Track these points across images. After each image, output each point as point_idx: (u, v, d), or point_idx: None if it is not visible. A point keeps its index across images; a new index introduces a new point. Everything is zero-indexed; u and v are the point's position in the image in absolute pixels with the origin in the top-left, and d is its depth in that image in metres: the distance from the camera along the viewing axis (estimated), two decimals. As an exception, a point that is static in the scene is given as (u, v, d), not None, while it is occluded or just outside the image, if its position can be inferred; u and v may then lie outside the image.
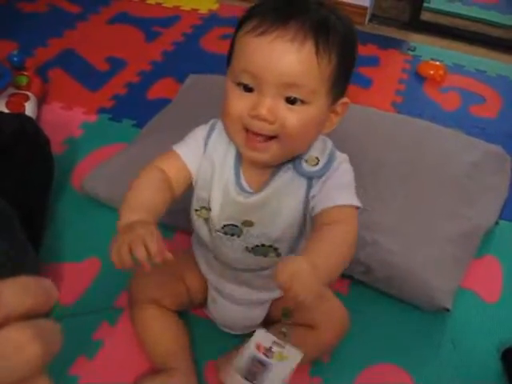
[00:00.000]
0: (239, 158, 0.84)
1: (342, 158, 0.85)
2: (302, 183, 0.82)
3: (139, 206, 0.78)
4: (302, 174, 0.82)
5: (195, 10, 2.17)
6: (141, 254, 0.69)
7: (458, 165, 1.34)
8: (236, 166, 0.84)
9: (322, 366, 0.99)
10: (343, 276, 1.13)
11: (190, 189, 0.87)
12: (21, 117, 1.29)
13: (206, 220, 0.88)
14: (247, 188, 0.83)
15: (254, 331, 0.98)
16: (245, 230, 0.84)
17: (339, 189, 0.82)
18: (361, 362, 1.01)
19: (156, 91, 1.68)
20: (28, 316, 0.34)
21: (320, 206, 0.81)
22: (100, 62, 1.79)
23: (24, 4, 2.06)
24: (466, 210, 1.24)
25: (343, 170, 0.84)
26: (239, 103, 0.75)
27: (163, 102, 1.55)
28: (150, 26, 2.01)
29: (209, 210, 0.86)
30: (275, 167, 0.82)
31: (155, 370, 0.94)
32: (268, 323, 0.98)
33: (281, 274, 0.66)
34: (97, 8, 2.09)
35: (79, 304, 1.04)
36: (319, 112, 0.77)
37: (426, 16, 2.27)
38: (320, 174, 0.82)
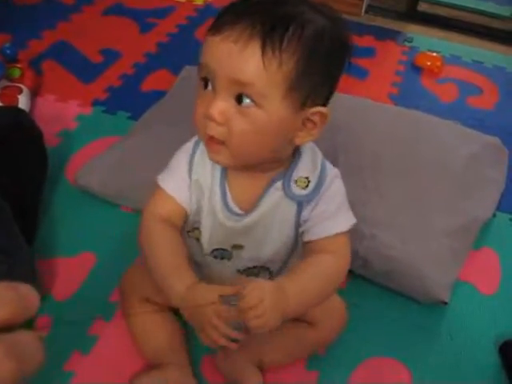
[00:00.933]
0: (225, 174, 0.81)
1: (332, 174, 0.82)
2: (292, 207, 0.80)
3: (179, 268, 0.79)
4: (292, 197, 0.79)
5: (190, 2, 2.15)
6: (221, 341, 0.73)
7: (456, 157, 1.33)
8: (222, 183, 0.81)
9: (318, 360, 0.99)
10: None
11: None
12: (14, 109, 1.28)
13: (198, 240, 0.87)
14: (235, 209, 0.81)
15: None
16: (235, 253, 0.83)
17: (331, 216, 0.80)
18: (358, 355, 1.01)
19: (151, 83, 1.66)
20: (3, 327, 0.33)
21: (311, 235, 0.81)
22: (94, 53, 1.77)
23: (17, -5, 2.04)
24: (464, 203, 1.24)
25: (334, 190, 0.82)
26: (200, 104, 0.74)
27: (158, 94, 1.54)
28: (145, 18, 1.99)
29: (200, 231, 0.85)
30: (264, 186, 0.80)
31: (150, 366, 0.93)
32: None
33: (249, 297, 0.68)
34: (91, -1, 2.07)
35: (73, 299, 1.03)
36: (273, 119, 0.71)
37: (423, 7, 2.26)
38: (310, 199, 0.80)
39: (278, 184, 0.79)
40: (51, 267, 1.09)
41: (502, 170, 1.38)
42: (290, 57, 0.69)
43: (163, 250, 0.81)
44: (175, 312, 0.97)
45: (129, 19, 1.97)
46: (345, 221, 0.82)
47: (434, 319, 1.09)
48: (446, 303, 1.07)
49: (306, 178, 0.80)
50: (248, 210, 0.81)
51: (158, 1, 2.13)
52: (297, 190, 0.79)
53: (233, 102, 0.71)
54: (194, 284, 0.75)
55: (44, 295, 1.04)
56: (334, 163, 1.23)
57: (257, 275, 0.86)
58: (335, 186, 0.82)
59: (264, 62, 0.68)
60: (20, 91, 1.44)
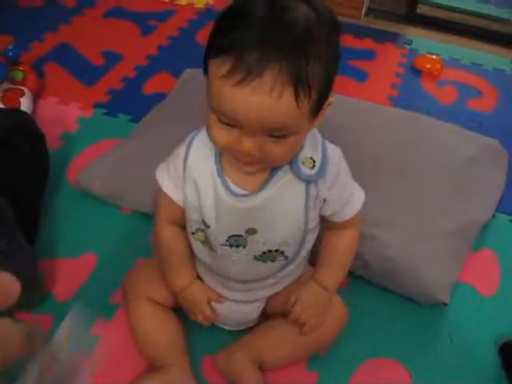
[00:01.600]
0: (220, 168, 0.82)
1: (335, 152, 0.84)
2: (301, 186, 0.81)
3: (183, 265, 0.94)
4: (300, 177, 0.80)
5: (191, 5, 2.16)
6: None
7: (455, 159, 1.33)
8: (220, 175, 0.82)
9: (318, 361, 0.99)
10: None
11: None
12: (16, 111, 1.28)
13: (204, 242, 0.88)
14: (238, 191, 0.81)
15: (250, 327, 0.98)
16: (249, 238, 0.83)
17: (348, 200, 0.87)
18: (358, 356, 1.01)
19: (152, 86, 1.67)
20: None
21: (335, 216, 0.89)
22: (96, 56, 1.78)
23: (19, -2, 2.05)
24: (463, 204, 1.24)
25: (345, 174, 0.86)
26: (223, 135, 0.73)
27: (159, 97, 1.54)
28: (146, 21, 2.00)
29: (207, 228, 0.84)
30: (270, 170, 0.81)
31: (151, 368, 0.94)
32: (264, 318, 0.99)
33: (293, 313, 0.92)
34: (92, 2, 2.08)
35: (75, 300, 1.04)
36: (303, 135, 0.76)
37: (422, 9, 2.26)
38: (318, 178, 0.81)
39: (286, 167, 0.80)
40: (53, 268, 1.10)
41: (501, 172, 1.38)
42: (316, 86, 0.69)
43: (169, 249, 0.94)
44: (177, 311, 0.98)
45: (130, 22, 1.98)
46: (358, 200, 0.90)
47: (433, 320, 1.09)
48: (445, 304, 1.07)
49: (311, 158, 0.81)
50: (254, 191, 0.81)
51: (159, 4, 2.13)
52: (306, 170, 0.80)
53: (265, 137, 0.71)
54: (191, 282, 0.94)
55: (46, 295, 1.04)
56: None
57: (273, 260, 0.86)
58: (343, 169, 0.86)
59: (298, 104, 0.67)
60: (22, 93, 1.45)
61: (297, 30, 0.66)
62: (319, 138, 0.84)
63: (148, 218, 1.19)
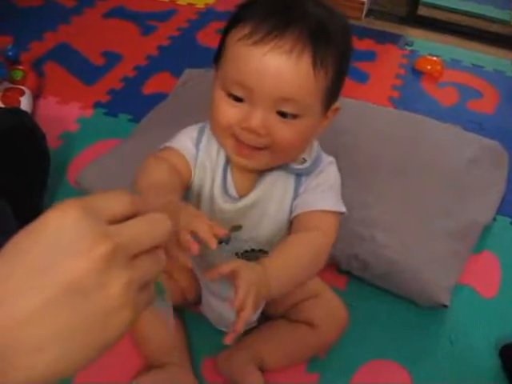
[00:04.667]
0: (228, 161, 0.81)
1: (328, 159, 0.83)
2: (290, 181, 0.80)
3: (165, 189, 0.72)
4: (290, 171, 0.79)
5: (191, 5, 2.16)
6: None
7: (456, 160, 1.33)
8: (225, 168, 0.81)
9: (319, 362, 0.99)
10: (341, 272, 1.13)
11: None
12: (17, 111, 1.28)
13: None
14: (233, 193, 0.81)
15: (248, 330, 0.98)
16: (233, 235, 0.83)
17: (324, 191, 0.80)
18: (358, 357, 1.01)
19: (152, 86, 1.66)
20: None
21: (301, 207, 0.79)
22: (96, 56, 1.77)
23: (18, -3, 2.04)
24: (464, 206, 1.24)
25: (330, 172, 0.82)
26: (229, 113, 0.71)
27: (159, 97, 1.54)
28: (146, 21, 1.99)
29: None
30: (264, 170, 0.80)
31: (151, 366, 0.93)
32: (263, 320, 0.98)
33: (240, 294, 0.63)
34: (92, 2, 2.07)
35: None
36: (312, 123, 0.73)
37: (423, 11, 2.26)
38: (308, 172, 0.80)
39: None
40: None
41: (502, 174, 1.38)
42: (333, 63, 0.69)
43: (153, 173, 0.75)
44: (177, 310, 0.97)
45: (130, 22, 1.98)
46: (335, 203, 0.80)
47: (434, 322, 1.09)
48: (446, 306, 1.07)
49: (303, 158, 0.80)
50: (247, 191, 0.80)
51: (159, 4, 2.13)
52: (295, 165, 0.79)
53: (274, 114, 0.69)
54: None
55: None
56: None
57: (256, 260, 0.85)
58: (331, 170, 0.83)
59: (315, 73, 0.66)
60: (22, 93, 1.44)
61: (317, 17, 0.68)
62: (315, 144, 0.83)
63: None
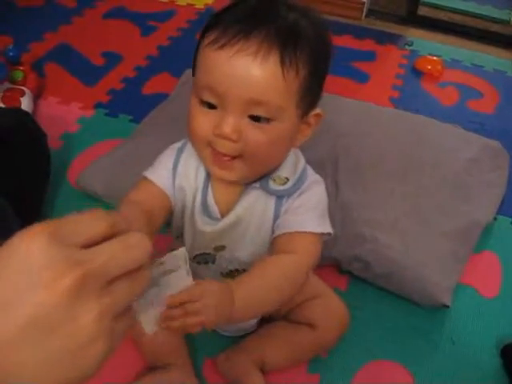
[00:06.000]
0: (209, 177, 0.80)
1: (314, 178, 0.82)
2: (271, 202, 0.79)
3: None
4: (270, 192, 0.78)
5: (191, 5, 2.16)
6: None
7: (456, 160, 1.33)
8: (205, 186, 0.80)
9: (320, 363, 0.99)
10: (342, 272, 1.13)
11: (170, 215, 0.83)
12: (18, 111, 1.28)
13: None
14: (214, 211, 0.80)
15: (248, 333, 0.97)
16: (218, 255, 0.82)
17: (306, 212, 0.78)
18: (360, 358, 1.01)
19: (152, 86, 1.66)
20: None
21: (281, 229, 0.78)
22: (96, 56, 1.77)
23: (19, -2, 2.04)
24: (465, 206, 1.24)
25: (315, 192, 0.80)
26: (203, 121, 0.71)
27: (159, 97, 1.54)
28: (146, 21, 1.99)
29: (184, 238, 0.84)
30: (244, 186, 0.79)
31: (152, 367, 0.93)
32: (263, 323, 0.98)
33: (190, 291, 0.60)
34: (92, 2, 2.07)
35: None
36: (287, 127, 0.71)
37: (423, 11, 2.26)
38: (289, 193, 0.78)
39: (256, 184, 0.78)
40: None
41: (502, 174, 1.38)
42: (304, 64, 0.68)
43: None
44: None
45: (130, 22, 1.98)
46: (318, 224, 0.78)
47: (435, 322, 1.09)
48: (447, 306, 1.07)
49: (286, 177, 0.78)
50: (227, 210, 0.80)
51: (159, 4, 2.13)
52: (274, 186, 0.78)
53: (246, 119, 0.68)
54: None
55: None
56: (335, 166, 1.25)
57: None
58: (316, 190, 0.80)
59: (284, 73, 0.66)
60: (22, 94, 1.45)
61: (287, 19, 0.68)
62: (302, 161, 0.81)
63: (149, 218, 1.18)
